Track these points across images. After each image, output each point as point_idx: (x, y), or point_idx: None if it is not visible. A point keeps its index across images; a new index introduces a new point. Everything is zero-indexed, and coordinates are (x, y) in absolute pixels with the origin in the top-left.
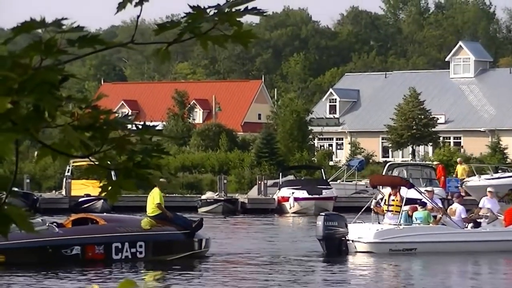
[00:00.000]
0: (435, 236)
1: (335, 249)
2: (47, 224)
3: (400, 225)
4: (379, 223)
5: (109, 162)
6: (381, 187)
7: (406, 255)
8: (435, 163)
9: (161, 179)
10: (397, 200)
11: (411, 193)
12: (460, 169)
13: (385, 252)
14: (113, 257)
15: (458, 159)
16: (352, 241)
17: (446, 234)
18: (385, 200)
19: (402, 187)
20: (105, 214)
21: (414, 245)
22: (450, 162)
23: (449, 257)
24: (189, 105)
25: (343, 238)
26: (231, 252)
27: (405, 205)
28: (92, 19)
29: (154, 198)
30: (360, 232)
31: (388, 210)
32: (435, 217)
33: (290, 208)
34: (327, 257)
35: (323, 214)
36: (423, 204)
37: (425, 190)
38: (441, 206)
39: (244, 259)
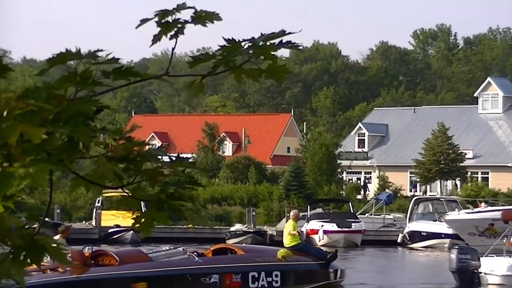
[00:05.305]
0: None
1: (468, 281)
2: (187, 254)
3: None
4: (510, 256)
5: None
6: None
7: None
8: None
9: (294, 211)
10: None
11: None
12: None
13: None
14: (250, 285)
15: None
16: (485, 273)
17: None
18: None
19: None
20: (244, 244)
21: None
22: (478, 198)
23: None
24: (219, 138)
25: (476, 271)
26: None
27: None
28: (123, 51)
29: (288, 229)
30: (493, 265)
31: None
32: None
33: (319, 240)
34: None
35: (456, 247)
36: None
37: None
38: None
39: None
